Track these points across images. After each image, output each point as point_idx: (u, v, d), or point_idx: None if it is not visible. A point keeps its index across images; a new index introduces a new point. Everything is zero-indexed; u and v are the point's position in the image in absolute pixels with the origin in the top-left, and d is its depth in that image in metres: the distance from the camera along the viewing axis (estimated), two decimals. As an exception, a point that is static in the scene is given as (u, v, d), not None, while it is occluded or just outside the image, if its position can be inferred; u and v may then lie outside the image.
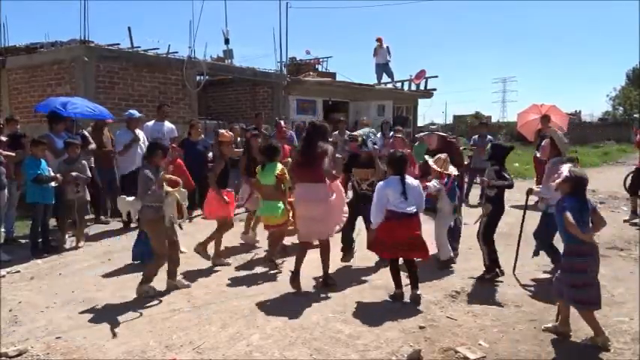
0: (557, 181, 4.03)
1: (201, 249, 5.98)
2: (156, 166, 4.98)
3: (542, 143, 5.58)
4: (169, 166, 5.36)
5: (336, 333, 4.06)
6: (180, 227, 5.19)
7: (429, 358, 3.68)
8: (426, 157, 6.06)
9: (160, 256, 4.95)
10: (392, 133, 11.02)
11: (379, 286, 5.21)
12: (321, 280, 5.26)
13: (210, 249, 6.06)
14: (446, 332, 4.08)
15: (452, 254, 5.90)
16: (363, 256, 6.25)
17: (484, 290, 5.03)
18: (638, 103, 39.52)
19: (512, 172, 13.25)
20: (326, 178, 5.04)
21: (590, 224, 3.89)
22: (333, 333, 4.06)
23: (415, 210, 4.79)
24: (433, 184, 5.62)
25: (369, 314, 4.43)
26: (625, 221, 8.43)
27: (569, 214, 3.74)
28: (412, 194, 4.77)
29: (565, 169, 4.14)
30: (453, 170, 5.78)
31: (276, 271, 5.76)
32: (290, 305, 4.66)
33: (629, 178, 9.48)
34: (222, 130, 6.62)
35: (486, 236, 5.34)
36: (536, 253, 5.72)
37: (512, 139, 25.38)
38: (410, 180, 4.86)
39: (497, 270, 5.35)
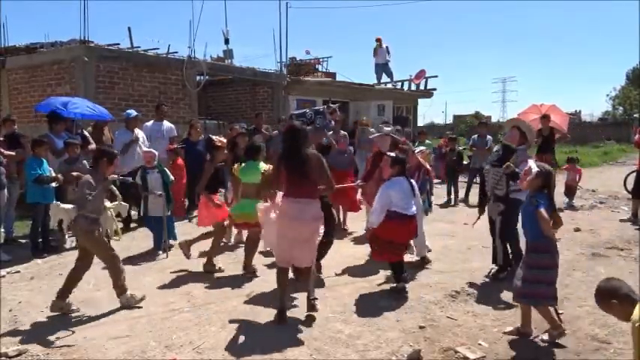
0: (529, 178, 3.97)
1: (185, 245, 5.91)
2: (102, 173, 4.67)
3: (510, 132, 5.63)
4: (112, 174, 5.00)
5: (336, 333, 4.05)
6: (116, 238, 4.90)
7: (429, 358, 3.68)
8: (415, 147, 6.20)
9: (113, 263, 4.62)
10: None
11: (379, 286, 5.20)
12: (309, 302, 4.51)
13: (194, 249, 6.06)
14: (446, 332, 4.08)
15: (427, 252, 5.96)
16: (363, 256, 6.26)
17: (484, 290, 5.03)
18: (638, 103, 39.54)
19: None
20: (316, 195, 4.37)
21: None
22: (333, 333, 4.06)
23: (416, 211, 4.83)
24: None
25: (369, 314, 4.43)
26: (621, 221, 8.44)
27: (543, 211, 3.75)
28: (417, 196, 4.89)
29: (533, 165, 4.06)
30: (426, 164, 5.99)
31: (252, 277, 5.56)
32: (290, 305, 4.65)
33: (629, 178, 9.49)
34: (215, 137, 6.56)
35: (505, 235, 5.33)
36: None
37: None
38: (413, 181, 4.93)
39: (509, 269, 5.31)
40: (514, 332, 4.01)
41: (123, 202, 4.99)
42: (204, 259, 5.87)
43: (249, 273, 5.60)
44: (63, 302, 4.52)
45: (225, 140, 6.56)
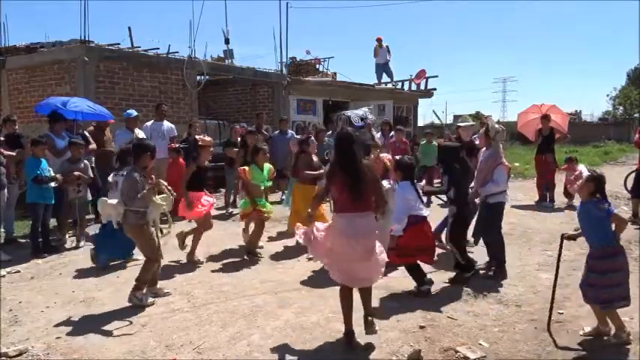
0: (580, 182, 3.94)
1: (180, 237, 6.20)
2: (143, 168, 4.79)
3: (480, 132, 5.73)
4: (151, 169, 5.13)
5: (336, 333, 4.05)
6: (161, 232, 4.96)
7: (429, 358, 3.68)
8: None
9: (151, 260, 4.73)
10: (392, 133, 11.05)
11: (379, 286, 5.18)
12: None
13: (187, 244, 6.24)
14: (446, 332, 4.08)
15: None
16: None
17: (484, 290, 5.02)
18: (639, 103, 39.54)
19: (513, 171, 13.26)
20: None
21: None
22: (333, 333, 4.05)
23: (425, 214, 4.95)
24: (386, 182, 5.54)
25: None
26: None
27: (618, 213, 3.83)
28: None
29: (584, 170, 4.04)
30: None
31: (256, 259, 6.18)
32: (290, 305, 4.66)
33: (630, 178, 9.48)
34: (199, 137, 6.69)
35: (453, 237, 5.32)
36: (476, 242, 5.95)
37: (512, 139, 25.42)
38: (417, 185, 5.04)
39: (473, 267, 5.38)
40: (593, 332, 4.00)
41: (169, 195, 5.02)
42: (205, 259, 6.10)
43: (253, 257, 6.12)
44: (155, 288, 4.88)
45: (210, 139, 6.65)
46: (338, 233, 3.83)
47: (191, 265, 6.02)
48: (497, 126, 5.59)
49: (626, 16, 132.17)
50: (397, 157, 5.09)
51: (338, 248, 3.83)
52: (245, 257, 6.29)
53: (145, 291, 4.75)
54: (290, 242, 6.91)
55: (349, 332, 3.86)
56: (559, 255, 4.29)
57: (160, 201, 4.84)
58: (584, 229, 3.98)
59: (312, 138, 7.45)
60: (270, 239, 7.24)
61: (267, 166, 6.41)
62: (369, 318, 3.96)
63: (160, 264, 4.95)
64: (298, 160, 7.08)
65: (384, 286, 5.13)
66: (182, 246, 6.23)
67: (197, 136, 6.48)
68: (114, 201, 4.85)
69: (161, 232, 5.03)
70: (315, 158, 7.06)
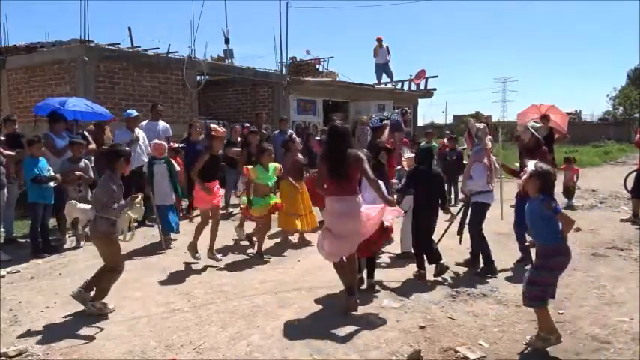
0: (523, 178, 3.82)
1: (191, 249, 6.16)
2: (119, 175, 4.62)
3: (465, 135, 5.85)
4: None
5: (336, 333, 4.05)
6: (124, 240, 4.77)
7: (429, 358, 3.68)
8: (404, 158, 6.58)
9: (115, 270, 4.55)
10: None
11: (379, 286, 5.20)
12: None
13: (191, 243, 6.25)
14: (446, 332, 4.08)
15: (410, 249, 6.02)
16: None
17: (484, 290, 5.02)
18: (639, 103, 39.56)
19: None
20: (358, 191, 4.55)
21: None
22: (334, 333, 4.05)
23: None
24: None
25: (369, 314, 4.43)
26: (622, 220, 8.44)
27: (564, 212, 3.68)
28: (369, 193, 4.93)
29: (530, 166, 3.81)
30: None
31: (266, 261, 6.15)
32: (290, 305, 4.66)
33: (629, 178, 9.48)
34: (215, 125, 6.73)
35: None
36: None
37: (512, 139, 25.42)
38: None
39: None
40: (534, 341, 3.79)
41: (137, 205, 4.92)
42: (208, 258, 6.11)
43: (262, 260, 6.17)
44: (87, 294, 4.57)
45: (223, 130, 6.66)
46: (328, 214, 4.58)
47: (190, 265, 6.01)
48: (476, 124, 5.74)
49: (626, 16, 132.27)
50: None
51: (331, 227, 4.47)
52: (249, 255, 6.38)
53: (103, 303, 4.53)
54: (290, 239, 6.95)
55: (352, 286, 4.55)
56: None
57: (131, 212, 4.69)
58: (530, 227, 3.92)
59: (295, 136, 7.62)
60: (269, 237, 7.23)
61: (272, 165, 6.48)
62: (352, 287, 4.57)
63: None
64: (283, 159, 7.36)
65: (384, 286, 5.14)
66: (195, 255, 6.16)
67: (212, 126, 6.57)
68: (86, 206, 4.71)
69: (124, 240, 4.77)
70: (299, 156, 7.40)
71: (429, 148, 5.83)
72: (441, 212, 5.61)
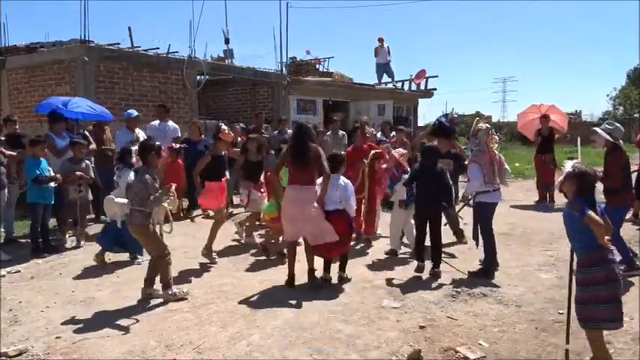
0: (559, 180, 3.54)
1: (206, 253, 6.11)
2: (153, 167, 4.86)
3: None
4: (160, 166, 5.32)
5: (336, 333, 4.06)
6: (161, 234, 4.99)
7: (429, 358, 3.68)
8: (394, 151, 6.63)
9: (162, 256, 4.79)
10: (393, 133, 11.05)
11: (379, 286, 5.21)
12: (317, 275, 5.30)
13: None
14: (446, 332, 4.08)
15: (396, 246, 6.24)
16: (364, 256, 6.26)
17: (484, 290, 5.02)
18: (638, 103, 39.53)
19: (513, 171, 13.27)
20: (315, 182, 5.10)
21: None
22: (333, 333, 4.06)
23: (333, 208, 5.12)
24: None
25: (369, 314, 4.43)
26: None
27: (592, 214, 3.18)
28: (334, 191, 5.13)
29: (567, 166, 3.49)
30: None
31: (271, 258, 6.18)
32: (290, 305, 4.66)
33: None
34: (225, 127, 6.69)
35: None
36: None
37: (512, 139, 25.42)
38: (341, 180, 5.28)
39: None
40: None
41: (176, 198, 5.08)
42: (203, 256, 6.09)
43: (282, 258, 6.04)
44: (151, 289, 4.84)
45: (230, 134, 6.65)
46: (287, 200, 5.13)
47: (190, 265, 6.01)
48: (480, 125, 5.73)
49: (626, 16, 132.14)
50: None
51: (288, 212, 5.10)
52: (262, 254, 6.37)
53: (175, 289, 4.79)
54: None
55: (291, 276, 5.16)
56: None
57: (166, 204, 4.86)
58: (567, 235, 3.53)
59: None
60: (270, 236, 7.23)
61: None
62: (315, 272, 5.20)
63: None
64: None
65: (384, 287, 5.15)
66: (212, 259, 6.14)
67: (223, 127, 6.58)
68: (122, 200, 4.88)
69: (160, 234, 5.04)
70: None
71: (434, 147, 5.88)
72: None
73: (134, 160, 6.27)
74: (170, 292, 4.75)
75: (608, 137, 5.65)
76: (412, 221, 6.09)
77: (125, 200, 4.87)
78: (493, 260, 5.57)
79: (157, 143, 5.04)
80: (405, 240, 6.51)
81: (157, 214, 4.81)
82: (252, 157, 6.87)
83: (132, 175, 6.50)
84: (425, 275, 5.42)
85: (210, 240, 6.17)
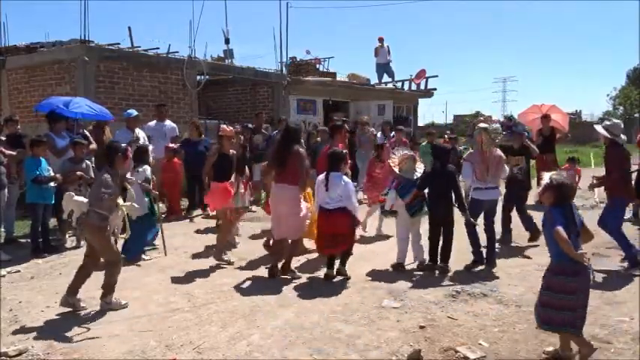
0: (538, 190, 3.64)
1: (217, 254, 6.04)
2: (117, 170, 4.70)
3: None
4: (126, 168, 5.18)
5: (336, 333, 4.05)
6: (115, 240, 4.81)
7: (429, 358, 3.68)
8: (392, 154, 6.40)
9: (114, 263, 4.60)
10: (393, 133, 11.06)
11: (379, 286, 5.21)
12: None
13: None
14: (446, 332, 4.08)
15: (403, 260, 5.86)
16: (363, 256, 6.26)
17: (484, 290, 5.03)
18: (639, 103, 39.54)
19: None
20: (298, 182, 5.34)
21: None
22: (333, 333, 4.06)
23: (335, 206, 5.19)
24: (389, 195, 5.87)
25: (369, 314, 4.43)
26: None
27: (560, 230, 3.35)
28: (335, 189, 5.20)
29: (545, 177, 3.62)
30: (419, 168, 6.01)
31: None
32: (290, 305, 4.66)
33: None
34: (223, 125, 6.68)
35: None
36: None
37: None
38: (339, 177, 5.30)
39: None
40: (553, 354, 3.67)
41: (136, 204, 4.95)
42: (216, 260, 6.02)
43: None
44: (73, 298, 4.55)
45: (230, 129, 6.61)
46: (271, 197, 5.63)
47: (190, 265, 6.01)
48: (480, 124, 5.88)
49: (626, 16, 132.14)
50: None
51: (271, 209, 5.61)
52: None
53: (115, 297, 4.61)
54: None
55: (274, 267, 5.46)
56: None
57: (124, 209, 4.72)
58: (545, 240, 3.70)
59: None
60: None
61: None
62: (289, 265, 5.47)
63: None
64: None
65: (384, 287, 5.14)
66: (224, 260, 6.05)
67: (222, 126, 6.56)
68: (82, 199, 4.73)
69: (115, 242, 4.83)
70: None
71: (445, 147, 5.97)
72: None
73: (151, 158, 6.32)
74: (108, 301, 4.55)
75: (606, 134, 5.77)
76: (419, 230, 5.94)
77: (84, 199, 4.67)
78: (479, 255, 5.74)
79: (124, 145, 4.92)
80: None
81: (114, 219, 4.62)
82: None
83: (148, 172, 6.55)
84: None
85: (220, 243, 6.10)
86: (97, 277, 5.50)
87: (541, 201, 3.74)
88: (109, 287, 4.58)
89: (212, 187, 6.23)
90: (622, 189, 5.81)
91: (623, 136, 5.95)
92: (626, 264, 5.77)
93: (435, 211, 5.65)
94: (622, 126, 5.97)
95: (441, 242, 5.67)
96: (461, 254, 6.18)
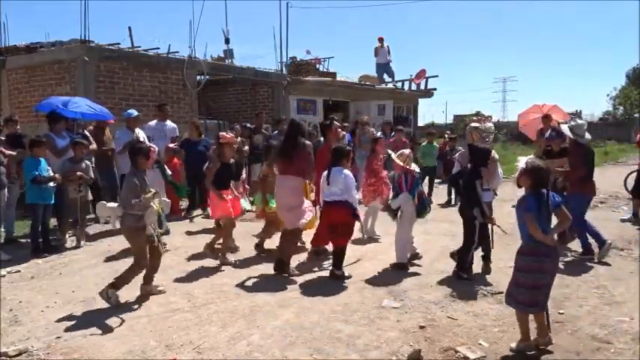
0: (515, 175, 3.80)
1: (208, 250, 6.14)
2: (142, 170, 4.85)
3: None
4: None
5: (336, 333, 4.05)
6: (158, 238, 4.96)
7: (429, 358, 3.68)
8: (390, 152, 6.30)
9: (138, 264, 4.76)
10: (393, 133, 11.06)
11: (379, 286, 5.20)
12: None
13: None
14: (446, 332, 4.08)
15: (405, 260, 5.83)
16: (363, 256, 6.26)
17: (484, 290, 5.03)
18: (639, 103, 39.52)
19: (514, 171, 13.26)
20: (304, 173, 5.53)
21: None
22: (333, 333, 4.06)
23: (335, 199, 5.26)
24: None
25: (369, 314, 4.43)
26: (622, 220, 8.43)
27: (529, 215, 3.59)
28: (336, 183, 5.25)
29: (521, 162, 3.78)
30: (415, 167, 5.89)
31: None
32: (290, 305, 4.66)
33: (630, 178, 9.46)
34: (222, 132, 6.67)
35: None
36: None
37: (512, 139, 25.42)
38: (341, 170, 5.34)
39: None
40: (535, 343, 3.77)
41: (166, 199, 5.20)
42: (213, 256, 6.08)
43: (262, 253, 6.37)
44: (150, 286, 4.92)
45: (231, 136, 6.59)
46: (275, 188, 5.73)
47: (190, 264, 6.01)
48: (472, 124, 5.78)
49: (626, 16, 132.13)
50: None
51: (276, 200, 5.80)
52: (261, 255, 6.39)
53: (116, 292, 4.69)
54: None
55: (280, 261, 5.53)
56: None
57: (156, 205, 4.81)
58: (517, 223, 3.82)
59: None
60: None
61: None
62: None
63: (158, 265, 5.00)
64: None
65: (384, 287, 5.14)
66: (213, 255, 6.12)
67: (221, 133, 6.55)
68: (113, 204, 4.88)
69: (158, 241, 4.98)
70: None
71: (485, 148, 5.53)
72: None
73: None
74: (110, 294, 4.64)
75: (569, 134, 6.14)
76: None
77: (116, 204, 4.83)
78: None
79: (145, 145, 5.02)
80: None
81: (148, 218, 4.72)
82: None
83: (155, 171, 6.64)
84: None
85: (224, 247, 6.12)
86: (97, 277, 5.52)
87: (518, 185, 3.85)
88: (121, 282, 4.73)
89: (211, 196, 6.18)
90: (582, 185, 6.17)
91: (587, 135, 6.31)
92: (581, 251, 6.18)
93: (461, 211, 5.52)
94: (585, 127, 6.32)
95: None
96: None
